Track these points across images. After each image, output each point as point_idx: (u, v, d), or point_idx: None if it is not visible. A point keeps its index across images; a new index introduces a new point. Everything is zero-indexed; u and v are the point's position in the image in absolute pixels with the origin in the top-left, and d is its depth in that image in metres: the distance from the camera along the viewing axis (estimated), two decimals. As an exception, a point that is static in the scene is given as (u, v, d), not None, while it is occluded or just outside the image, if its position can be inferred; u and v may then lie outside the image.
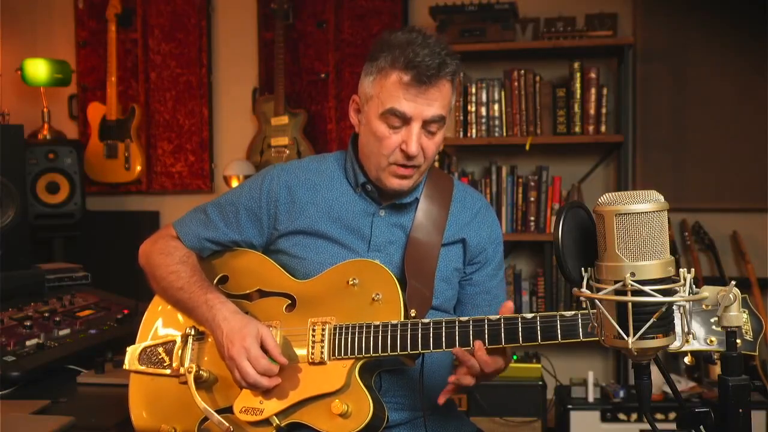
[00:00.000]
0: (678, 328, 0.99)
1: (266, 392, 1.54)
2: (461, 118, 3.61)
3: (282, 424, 1.53)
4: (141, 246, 1.78)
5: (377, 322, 1.50)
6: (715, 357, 1.23)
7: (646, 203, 0.95)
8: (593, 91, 3.51)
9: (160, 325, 1.72)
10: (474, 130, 3.61)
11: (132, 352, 1.70)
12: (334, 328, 1.54)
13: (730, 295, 1.02)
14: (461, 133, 3.62)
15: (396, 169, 1.60)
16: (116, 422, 1.72)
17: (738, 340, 1.07)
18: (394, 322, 1.50)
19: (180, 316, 1.70)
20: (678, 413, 1.25)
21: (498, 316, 1.45)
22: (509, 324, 1.44)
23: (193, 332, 1.64)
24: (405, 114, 1.56)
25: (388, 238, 1.67)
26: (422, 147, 1.59)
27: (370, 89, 1.61)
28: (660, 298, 0.94)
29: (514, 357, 3.30)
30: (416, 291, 1.59)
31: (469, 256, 1.72)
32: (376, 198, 1.68)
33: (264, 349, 1.52)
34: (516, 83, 3.57)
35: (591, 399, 3.20)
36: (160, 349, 1.67)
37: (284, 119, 3.79)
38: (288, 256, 1.67)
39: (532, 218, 3.59)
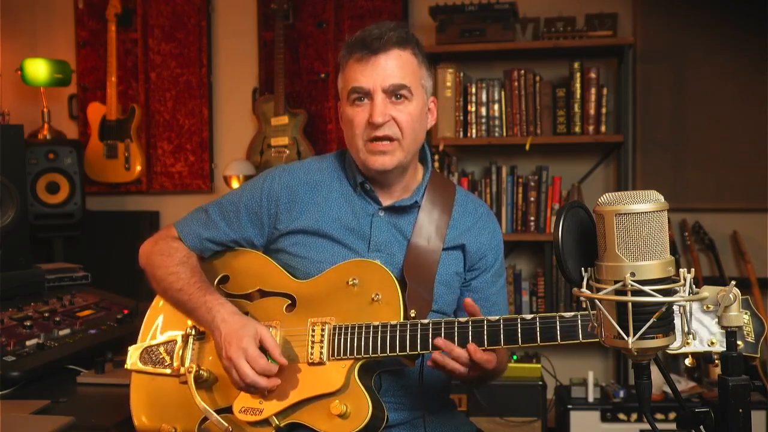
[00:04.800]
0: (678, 329, 0.99)
1: (266, 392, 1.54)
2: (461, 118, 3.61)
3: (281, 425, 1.53)
4: (141, 246, 1.78)
5: (376, 323, 1.50)
6: (715, 357, 1.23)
7: (646, 203, 0.95)
8: (593, 91, 3.51)
9: (161, 324, 1.72)
10: (474, 130, 3.61)
11: (133, 352, 1.70)
12: (334, 329, 1.54)
13: (730, 295, 1.02)
14: (461, 133, 3.62)
15: (372, 146, 1.60)
16: (116, 422, 1.72)
17: (740, 342, 1.07)
18: (394, 322, 1.50)
19: (181, 315, 1.70)
20: (678, 413, 1.25)
21: (497, 317, 1.45)
22: (508, 325, 1.43)
23: (193, 332, 1.65)
24: (362, 87, 1.58)
25: (388, 239, 1.67)
26: (394, 119, 1.59)
27: (340, 84, 1.67)
28: (660, 298, 0.94)
29: (514, 357, 3.30)
30: (416, 294, 1.59)
31: (469, 263, 1.72)
32: (375, 198, 1.69)
33: (263, 349, 1.52)
34: (516, 83, 3.57)
35: (591, 399, 3.20)
36: (161, 349, 1.68)
37: (284, 119, 3.79)
38: (289, 255, 1.67)
39: (532, 218, 3.59)
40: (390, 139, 1.60)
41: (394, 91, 1.58)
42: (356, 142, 1.62)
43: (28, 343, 2.06)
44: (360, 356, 1.50)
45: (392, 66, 1.58)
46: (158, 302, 1.75)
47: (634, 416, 3.16)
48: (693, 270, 0.99)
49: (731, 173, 3.61)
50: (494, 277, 1.75)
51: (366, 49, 1.57)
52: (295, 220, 1.68)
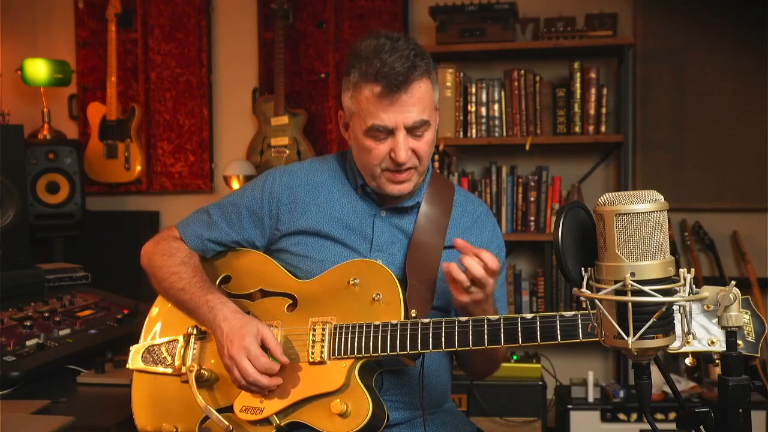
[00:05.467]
0: (678, 329, 0.99)
1: (266, 391, 1.54)
2: (461, 118, 3.61)
3: (282, 424, 1.53)
4: (143, 247, 1.78)
5: (377, 322, 1.51)
6: (716, 357, 1.23)
7: (646, 203, 0.95)
8: (593, 91, 3.51)
9: (163, 324, 1.72)
10: (474, 130, 3.61)
11: (135, 351, 1.70)
12: (335, 328, 1.54)
13: (730, 295, 1.02)
14: (461, 133, 3.62)
15: (391, 176, 1.61)
16: (116, 422, 1.72)
17: (740, 342, 1.07)
18: (394, 322, 1.50)
19: (183, 316, 1.70)
20: (678, 413, 1.25)
21: (497, 317, 1.45)
22: (509, 324, 1.44)
23: (195, 332, 1.65)
24: (386, 127, 1.56)
25: (390, 239, 1.67)
26: (413, 150, 1.59)
27: (350, 105, 1.63)
28: (660, 298, 0.94)
29: (514, 357, 3.30)
30: (417, 291, 1.59)
31: None
32: (376, 199, 1.69)
33: (265, 348, 1.52)
34: (516, 83, 3.57)
35: (591, 399, 3.20)
36: (163, 349, 1.68)
37: (284, 119, 3.79)
38: (291, 255, 1.68)
39: (532, 218, 3.59)
40: (409, 169, 1.61)
41: (415, 127, 1.58)
42: (373, 169, 1.62)
43: (28, 343, 2.07)
44: (360, 355, 1.50)
45: (414, 101, 1.56)
46: (160, 302, 1.75)
47: (634, 416, 3.16)
48: (693, 270, 0.99)
49: (731, 173, 3.61)
50: None
51: (388, 87, 1.53)
52: (296, 221, 1.68)
